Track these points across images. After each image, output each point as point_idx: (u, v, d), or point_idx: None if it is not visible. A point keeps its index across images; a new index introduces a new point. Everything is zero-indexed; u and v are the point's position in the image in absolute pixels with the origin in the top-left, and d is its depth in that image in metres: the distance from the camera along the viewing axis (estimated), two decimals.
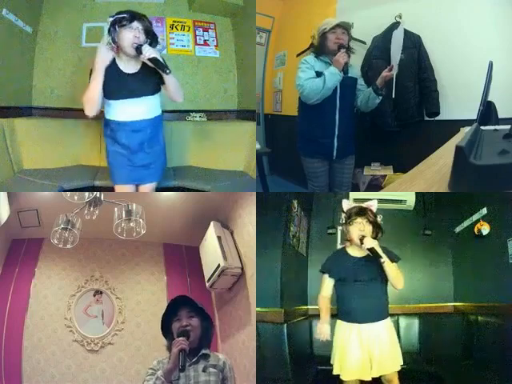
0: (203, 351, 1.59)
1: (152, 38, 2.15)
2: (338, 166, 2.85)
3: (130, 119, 2.21)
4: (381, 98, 2.69)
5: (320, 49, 2.63)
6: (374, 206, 1.89)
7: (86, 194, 2.23)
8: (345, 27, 2.58)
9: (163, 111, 2.44)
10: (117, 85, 2.14)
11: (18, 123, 2.93)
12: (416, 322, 2.54)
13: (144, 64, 2.13)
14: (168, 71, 2.08)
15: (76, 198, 2.20)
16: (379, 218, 1.87)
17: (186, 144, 3.35)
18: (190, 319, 1.59)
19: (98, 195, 2.24)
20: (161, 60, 2.09)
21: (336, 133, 2.68)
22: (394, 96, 2.54)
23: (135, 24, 2.06)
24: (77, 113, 3.44)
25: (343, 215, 1.90)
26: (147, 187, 2.42)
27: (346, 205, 1.91)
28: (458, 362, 2.28)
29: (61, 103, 3.48)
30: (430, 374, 2.27)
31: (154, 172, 2.39)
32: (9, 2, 2.84)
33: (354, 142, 2.83)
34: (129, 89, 2.15)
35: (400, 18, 3.23)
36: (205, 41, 3.81)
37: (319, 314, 1.86)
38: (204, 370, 1.54)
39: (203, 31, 3.82)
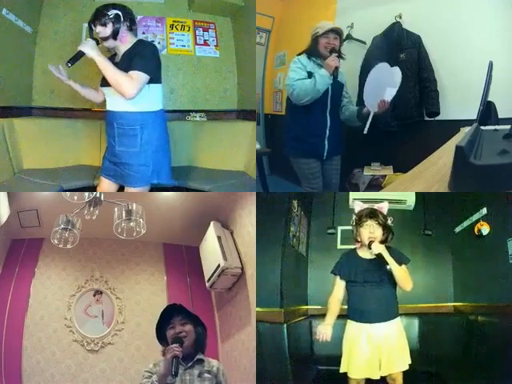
0: (198, 356, 1.65)
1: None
2: (327, 167, 2.89)
3: (107, 108, 2.26)
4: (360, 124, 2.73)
5: (312, 50, 2.68)
6: (384, 208, 1.89)
7: (86, 194, 2.23)
8: (338, 32, 2.64)
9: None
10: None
11: (18, 123, 2.93)
12: (416, 321, 2.53)
13: (122, 57, 2.15)
14: (68, 64, 2.07)
15: (76, 198, 2.20)
16: (389, 221, 1.88)
17: (185, 144, 3.35)
18: (183, 326, 1.64)
19: (97, 195, 2.24)
20: (77, 52, 2.06)
21: (327, 134, 2.73)
22: (365, 132, 2.59)
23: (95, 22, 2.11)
24: (77, 113, 3.46)
25: (353, 216, 1.91)
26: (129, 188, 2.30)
27: (358, 206, 1.91)
28: (458, 362, 2.28)
29: (61, 103, 3.48)
30: (429, 374, 2.27)
31: (124, 176, 2.23)
32: (9, 2, 2.84)
33: (341, 144, 2.89)
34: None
35: (400, 17, 3.24)
36: (205, 41, 3.81)
37: (325, 314, 1.85)
38: (199, 376, 1.59)
39: (203, 31, 3.82)
